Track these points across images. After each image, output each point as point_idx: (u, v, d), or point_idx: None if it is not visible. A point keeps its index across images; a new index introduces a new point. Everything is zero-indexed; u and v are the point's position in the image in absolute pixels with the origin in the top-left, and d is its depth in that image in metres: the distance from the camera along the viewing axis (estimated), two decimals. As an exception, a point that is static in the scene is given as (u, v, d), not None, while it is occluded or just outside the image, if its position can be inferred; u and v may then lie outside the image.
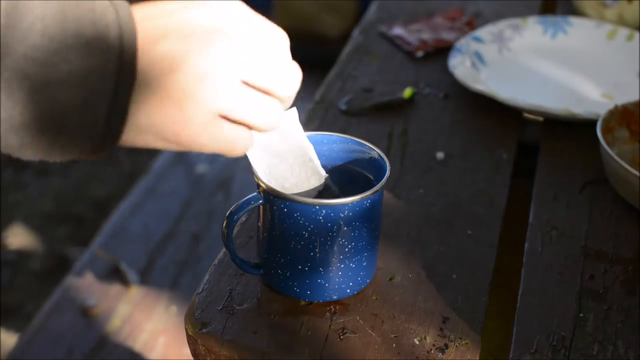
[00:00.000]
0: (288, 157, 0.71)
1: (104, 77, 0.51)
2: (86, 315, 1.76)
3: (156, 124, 0.53)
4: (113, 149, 0.54)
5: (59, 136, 0.52)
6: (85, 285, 1.84)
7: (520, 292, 0.78)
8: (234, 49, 0.55)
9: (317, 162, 0.73)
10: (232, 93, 0.55)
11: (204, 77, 0.53)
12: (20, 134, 0.51)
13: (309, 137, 0.73)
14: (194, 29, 0.54)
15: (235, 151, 0.57)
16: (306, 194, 0.73)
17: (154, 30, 0.53)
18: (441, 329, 0.73)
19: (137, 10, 0.54)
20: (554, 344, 0.72)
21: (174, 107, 0.53)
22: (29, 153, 0.53)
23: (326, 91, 1.10)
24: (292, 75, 0.59)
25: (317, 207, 0.70)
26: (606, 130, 0.93)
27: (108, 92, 0.51)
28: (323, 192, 0.74)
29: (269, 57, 0.58)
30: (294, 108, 0.69)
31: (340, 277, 0.73)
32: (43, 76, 0.50)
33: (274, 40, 0.60)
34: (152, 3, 0.55)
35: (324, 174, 0.73)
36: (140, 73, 0.52)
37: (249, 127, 0.57)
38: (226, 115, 0.55)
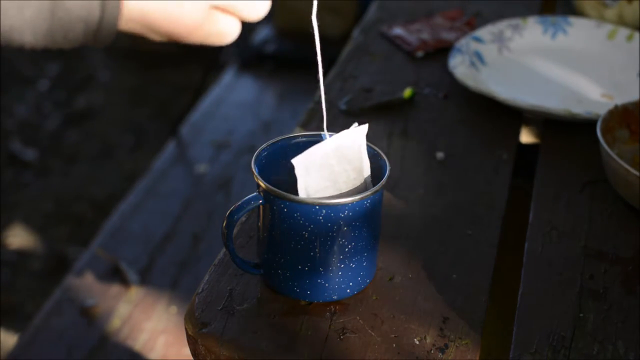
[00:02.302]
0: (338, 178, 0.72)
1: None
2: (86, 315, 1.76)
3: (149, 15, 0.53)
4: (112, 36, 0.54)
5: (57, 20, 0.52)
6: (85, 285, 1.84)
7: (520, 292, 0.78)
8: None
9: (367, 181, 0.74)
10: None
11: None
12: (20, 13, 0.51)
13: (309, 138, 0.74)
14: None
15: (225, 42, 0.58)
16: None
17: None
18: (441, 329, 0.73)
19: None
20: (554, 344, 0.72)
21: (171, 4, 0.53)
22: (29, 36, 0.52)
23: (326, 91, 1.10)
24: None
25: (317, 207, 0.70)
26: (606, 130, 0.93)
27: None
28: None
29: None
30: (366, 125, 0.72)
31: (340, 277, 0.73)
32: None
33: None
34: None
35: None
36: None
37: (239, 18, 0.58)
38: (221, 7, 0.56)
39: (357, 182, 0.74)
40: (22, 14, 0.52)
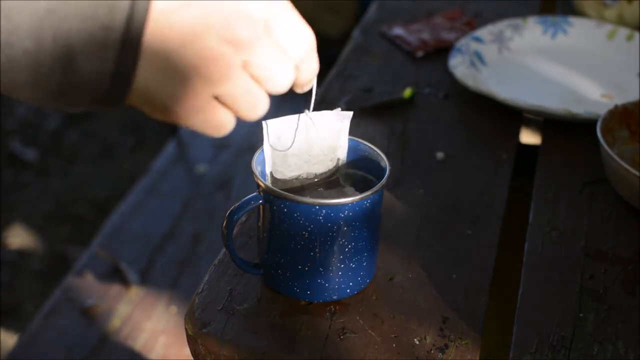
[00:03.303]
0: (311, 154, 0.73)
1: (110, 35, 0.50)
2: (86, 315, 1.76)
3: (151, 91, 0.52)
4: (123, 99, 0.52)
5: (66, 76, 0.51)
6: (85, 285, 1.84)
7: (520, 292, 0.78)
8: (254, 36, 0.54)
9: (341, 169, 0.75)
10: (237, 80, 0.54)
11: (216, 58, 0.52)
12: (26, 69, 0.50)
13: (297, 115, 0.74)
14: (222, 5, 0.52)
15: (219, 135, 0.58)
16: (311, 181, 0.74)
17: None
18: (441, 329, 0.73)
19: None
20: (554, 344, 0.72)
21: (176, 82, 0.52)
22: (38, 95, 0.51)
23: (326, 91, 1.10)
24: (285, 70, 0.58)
25: (317, 207, 0.70)
26: (606, 130, 0.93)
27: (117, 47, 0.50)
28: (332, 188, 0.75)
29: (280, 52, 0.57)
30: (351, 112, 0.74)
31: (340, 277, 0.73)
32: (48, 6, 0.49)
33: (299, 37, 0.59)
34: None
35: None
36: (149, 36, 0.51)
37: (236, 114, 0.58)
38: (222, 100, 0.55)
39: (326, 160, 0.75)
40: (38, 70, 0.50)
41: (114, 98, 0.52)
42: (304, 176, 0.75)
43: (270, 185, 0.72)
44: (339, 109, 0.74)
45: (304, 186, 0.75)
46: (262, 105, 0.57)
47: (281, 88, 0.58)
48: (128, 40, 0.50)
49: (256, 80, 0.56)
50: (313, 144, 0.74)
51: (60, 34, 0.49)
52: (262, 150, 0.75)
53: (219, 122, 0.56)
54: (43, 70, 0.50)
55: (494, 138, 1.02)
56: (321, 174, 0.75)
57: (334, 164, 0.76)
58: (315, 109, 0.72)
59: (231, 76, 0.54)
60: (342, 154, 0.76)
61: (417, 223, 0.87)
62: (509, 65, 1.17)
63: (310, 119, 0.73)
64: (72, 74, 0.50)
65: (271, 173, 0.74)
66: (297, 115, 0.73)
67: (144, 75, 0.52)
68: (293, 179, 0.74)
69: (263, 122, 0.71)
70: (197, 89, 0.53)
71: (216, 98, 0.55)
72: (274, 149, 0.73)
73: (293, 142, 0.73)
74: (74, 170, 2.41)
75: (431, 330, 0.73)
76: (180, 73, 0.52)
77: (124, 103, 0.53)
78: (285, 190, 0.72)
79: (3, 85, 0.51)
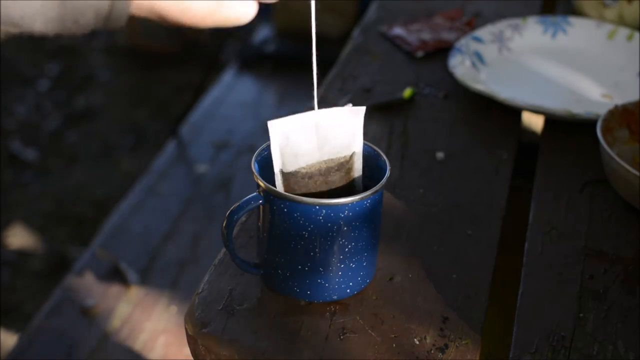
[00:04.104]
0: (321, 151, 0.72)
1: None
2: (86, 315, 1.76)
3: (158, 5, 0.53)
4: (123, 20, 0.53)
5: (67, 6, 0.52)
6: (85, 285, 1.84)
7: (520, 292, 0.78)
8: None
9: (356, 164, 0.75)
10: None
11: None
12: (30, 1, 0.51)
13: (305, 114, 0.74)
14: None
15: (241, 23, 0.57)
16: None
17: None
18: (441, 329, 0.73)
19: None
20: (554, 344, 0.72)
21: None
22: (40, 23, 0.52)
23: (326, 91, 1.10)
24: None
25: (317, 207, 0.70)
26: (606, 130, 0.93)
27: None
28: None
29: None
30: (363, 108, 0.73)
31: (340, 277, 0.73)
32: None
33: None
34: None
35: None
36: None
37: None
38: None
39: (342, 155, 0.74)
40: (32, 2, 0.51)
41: (117, 15, 0.52)
42: (316, 170, 0.74)
43: (280, 185, 0.72)
44: (350, 104, 0.74)
45: (313, 179, 0.74)
46: None
47: None
48: None
49: None
50: (325, 142, 0.73)
51: None
52: (263, 150, 0.75)
53: (236, 15, 0.55)
54: (37, 1, 0.51)
55: (494, 138, 1.02)
56: (334, 168, 0.75)
57: (349, 157, 0.75)
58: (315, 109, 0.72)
59: None
60: (358, 148, 0.75)
61: (417, 223, 0.87)
62: (509, 65, 1.17)
63: (321, 117, 0.72)
64: None
65: (281, 170, 0.73)
66: (305, 114, 0.72)
67: None
68: (304, 173, 0.73)
69: (268, 123, 0.70)
70: None
71: None
72: (283, 158, 0.72)
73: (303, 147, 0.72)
74: (74, 170, 2.41)
75: (431, 330, 0.73)
76: None
77: (128, 18, 0.53)
78: (296, 184, 0.72)
79: (15, 19, 0.52)
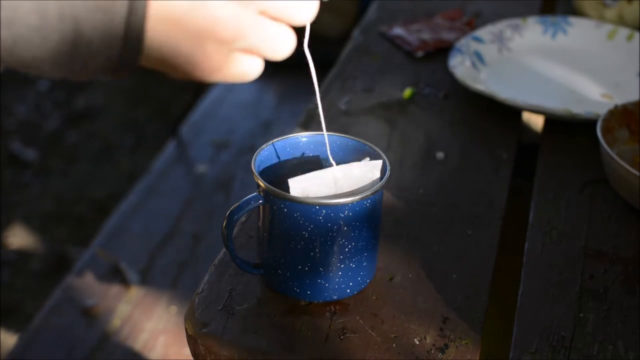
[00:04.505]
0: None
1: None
2: (86, 315, 1.76)
3: (166, 55, 0.52)
4: (135, 64, 0.53)
5: (77, 52, 0.51)
6: (85, 285, 1.84)
7: (520, 292, 0.78)
8: None
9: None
10: (253, 29, 0.54)
11: (227, 15, 0.52)
12: (32, 45, 0.50)
13: (309, 138, 0.74)
14: None
15: (247, 80, 0.57)
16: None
17: None
18: (441, 329, 0.73)
19: None
20: (554, 344, 0.72)
21: (190, 45, 0.52)
22: (49, 66, 0.52)
23: (326, 91, 1.10)
24: (306, 3, 0.57)
25: (317, 207, 0.70)
26: (606, 130, 0.93)
27: (123, 13, 0.50)
28: None
29: None
30: (380, 161, 0.73)
31: (340, 277, 0.73)
32: None
33: None
34: None
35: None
36: (154, 6, 0.51)
37: (263, 57, 0.57)
38: (244, 49, 0.54)
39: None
40: (45, 46, 0.51)
41: (126, 64, 0.52)
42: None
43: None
44: (367, 159, 0.74)
45: None
46: (288, 42, 0.56)
47: (306, 16, 0.56)
48: (134, 6, 0.50)
49: (277, 19, 0.55)
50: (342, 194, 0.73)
51: (64, 6, 0.50)
52: (263, 150, 0.75)
53: (244, 72, 0.55)
54: (50, 45, 0.50)
55: (494, 138, 1.02)
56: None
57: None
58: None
59: (246, 30, 0.53)
60: None
61: (417, 223, 0.87)
62: (509, 65, 1.17)
63: (339, 172, 0.72)
64: (80, 46, 0.51)
65: None
66: (324, 170, 0.72)
67: (156, 39, 0.51)
68: None
69: (289, 181, 0.70)
70: (213, 50, 0.52)
71: (238, 50, 0.54)
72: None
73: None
74: (74, 170, 2.41)
75: (431, 330, 0.73)
76: (192, 36, 0.52)
77: (137, 68, 0.53)
78: None
79: (10, 62, 0.51)
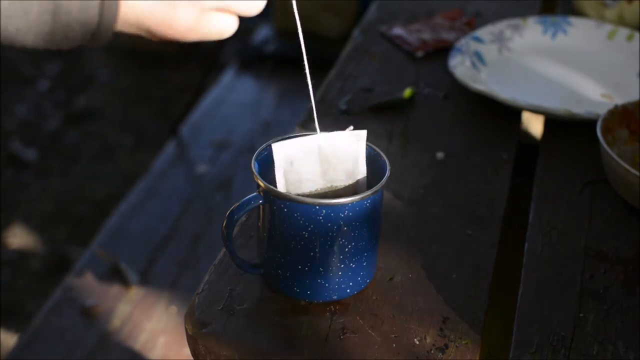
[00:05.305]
0: (325, 177, 0.73)
1: None
2: (86, 315, 1.76)
3: (144, 20, 0.55)
4: (109, 37, 0.57)
5: (58, 22, 0.54)
6: (85, 285, 1.84)
7: (520, 292, 0.78)
8: None
9: (360, 189, 0.75)
10: None
11: None
12: (15, 18, 0.54)
13: (308, 138, 0.74)
14: None
15: (223, 37, 0.59)
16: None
17: None
18: (441, 329, 0.73)
19: None
20: (554, 344, 0.72)
21: (164, 9, 0.55)
22: (32, 37, 0.55)
23: (326, 91, 1.10)
24: None
25: (317, 207, 0.70)
26: (606, 130, 0.93)
27: None
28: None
29: None
30: (365, 131, 0.73)
31: (340, 277, 0.73)
32: None
33: None
34: None
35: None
36: None
37: (236, 15, 0.59)
38: (215, 8, 0.57)
39: (346, 184, 0.74)
40: (27, 17, 0.54)
41: (104, 31, 0.55)
42: (323, 194, 0.74)
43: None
44: (351, 127, 0.74)
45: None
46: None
47: None
48: None
49: None
50: (328, 167, 0.73)
51: None
52: (263, 150, 0.75)
53: (218, 30, 0.58)
54: (31, 16, 0.54)
55: (494, 138, 1.02)
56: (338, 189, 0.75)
57: (356, 186, 0.75)
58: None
59: None
60: (361, 175, 0.75)
61: (417, 223, 0.87)
62: (509, 65, 1.17)
63: (323, 140, 0.72)
64: (60, 14, 0.54)
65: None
66: (308, 137, 0.72)
67: (131, 3, 0.55)
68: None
69: (273, 146, 0.71)
70: (186, 10, 0.55)
71: (210, 9, 0.57)
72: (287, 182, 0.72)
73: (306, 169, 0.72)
74: (74, 170, 2.41)
75: (431, 330, 0.73)
76: (167, 2, 0.55)
77: (114, 34, 0.56)
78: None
79: (12, 33, 0.54)
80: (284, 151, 0.71)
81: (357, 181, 0.75)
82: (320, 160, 0.73)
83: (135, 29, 0.57)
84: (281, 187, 0.72)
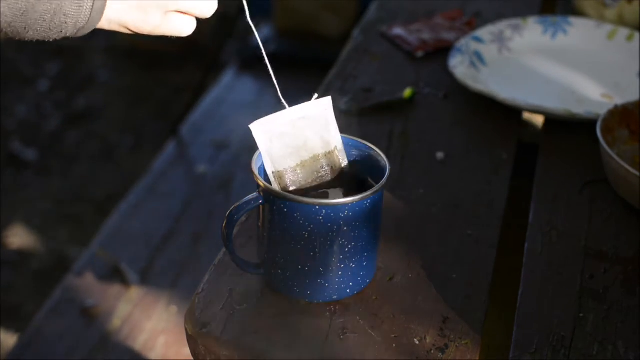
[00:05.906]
0: (303, 146, 0.73)
1: None
2: (86, 315, 1.76)
3: (122, 19, 0.68)
4: (95, 26, 0.68)
5: (54, 18, 0.65)
6: (85, 285, 1.84)
7: (520, 292, 0.78)
8: None
9: (340, 156, 0.76)
10: None
11: None
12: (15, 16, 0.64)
13: (281, 113, 0.74)
14: None
15: (182, 35, 0.72)
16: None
17: None
18: (441, 329, 0.73)
19: None
20: (554, 344, 0.72)
21: (139, 11, 0.69)
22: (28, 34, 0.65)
23: (326, 91, 1.10)
24: None
25: (317, 207, 0.70)
26: (606, 130, 0.93)
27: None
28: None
29: None
30: (329, 97, 0.75)
31: (340, 277, 0.73)
32: None
33: None
34: None
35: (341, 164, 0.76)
36: None
37: (193, 16, 0.72)
38: (176, 10, 0.70)
39: (324, 151, 0.75)
40: (16, 10, 0.63)
41: (89, 27, 0.67)
42: (306, 169, 0.75)
43: (276, 185, 0.72)
44: (316, 95, 0.75)
45: (305, 177, 0.75)
46: (210, 5, 0.71)
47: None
48: None
49: None
50: (306, 139, 0.75)
51: None
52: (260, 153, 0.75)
53: (180, 28, 0.71)
54: (31, 15, 0.64)
55: (494, 138, 1.02)
56: (321, 164, 0.75)
57: (334, 153, 0.76)
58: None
59: None
60: (337, 142, 0.76)
61: (417, 223, 0.87)
62: (509, 65, 1.17)
63: (294, 114, 0.74)
64: (60, 14, 0.65)
65: (273, 172, 0.73)
66: (281, 113, 0.74)
67: (116, 9, 0.67)
68: (295, 172, 0.74)
69: (250, 126, 0.73)
70: (152, 12, 0.69)
71: (172, 11, 0.70)
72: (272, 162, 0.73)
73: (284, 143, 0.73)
74: (74, 170, 2.41)
75: (431, 330, 0.73)
76: (137, 5, 0.68)
77: (95, 29, 0.68)
78: (291, 184, 0.73)
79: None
80: (262, 128, 0.73)
81: (335, 148, 0.76)
82: (297, 133, 0.74)
83: (114, 27, 0.69)
84: (268, 164, 0.73)
